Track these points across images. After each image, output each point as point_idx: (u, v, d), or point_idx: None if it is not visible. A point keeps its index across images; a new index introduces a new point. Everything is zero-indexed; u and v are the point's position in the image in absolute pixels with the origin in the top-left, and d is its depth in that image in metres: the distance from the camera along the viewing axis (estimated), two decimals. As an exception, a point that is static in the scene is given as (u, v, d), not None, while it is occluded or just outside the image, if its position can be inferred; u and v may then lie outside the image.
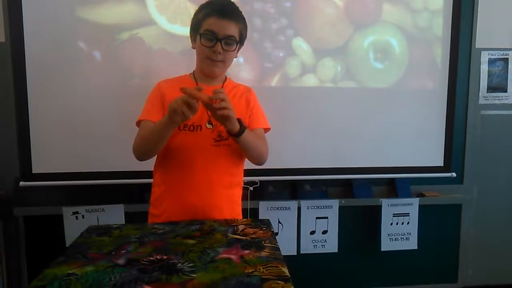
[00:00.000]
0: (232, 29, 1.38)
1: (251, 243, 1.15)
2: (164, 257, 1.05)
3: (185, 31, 1.98)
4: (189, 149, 1.37)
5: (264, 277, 0.93)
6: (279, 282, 0.90)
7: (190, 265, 1.00)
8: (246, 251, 1.09)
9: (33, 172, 1.95)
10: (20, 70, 1.93)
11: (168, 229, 1.27)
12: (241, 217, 1.54)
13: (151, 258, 1.04)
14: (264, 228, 1.28)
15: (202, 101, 1.23)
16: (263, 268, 0.97)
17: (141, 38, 1.99)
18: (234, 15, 1.40)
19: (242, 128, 1.32)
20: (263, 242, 1.16)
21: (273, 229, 1.28)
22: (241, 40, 1.44)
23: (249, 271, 0.96)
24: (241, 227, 1.29)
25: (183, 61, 1.99)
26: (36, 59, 1.93)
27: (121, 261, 1.03)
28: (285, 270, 0.96)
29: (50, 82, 1.95)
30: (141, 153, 1.42)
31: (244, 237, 1.20)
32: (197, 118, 1.38)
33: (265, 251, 1.09)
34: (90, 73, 1.97)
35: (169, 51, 2.00)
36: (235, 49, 1.43)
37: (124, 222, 2.10)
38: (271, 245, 1.14)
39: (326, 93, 2.13)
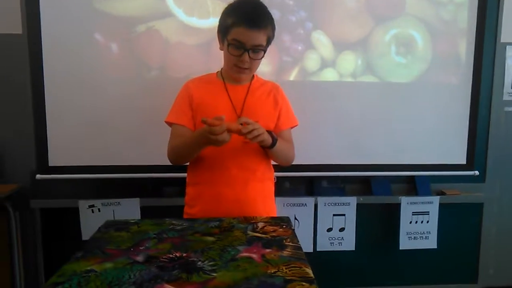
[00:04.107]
0: (260, 39, 1.35)
1: (272, 242, 1.12)
2: (184, 254, 1.03)
3: (203, 24, 1.97)
4: (221, 148, 1.34)
5: (287, 278, 0.89)
6: (304, 284, 0.87)
7: (211, 263, 0.97)
8: (267, 250, 1.06)
9: (49, 165, 1.94)
10: (38, 62, 1.92)
11: (187, 225, 1.25)
12: (275, 212, 1.54)
13: (171, 256, 1.02)
14: (284, 226, 1.25)
15: (230, 131, 1.26)
16: (286, 269, 0.94)
17: (158, 31, 1.96)
18: (263, 23, 1.35)
19: (274, 141, 1.36)
20: (284, 240, 1.13)
21: (293, 227, 1.25)
22: (268, 44, 1.42)
23: (272, 271, 0.93)
24: (260, 225, 1.26)
25: (200, 55, 1.97)
26: (53, 52, 1.92)
27: (140, 258, 1.00)
28: (309, 271, 0.93)
29: (67, 75, 1.94)
30: (175, 161, 1.45)
31: (264, 235, 1.17)
32: (226, 118, 1.36)
33: (287, 250, 1.06)
34: (107, 65, 1.95)
35: (186, 44, 1.97)
36: (262, 57, 1.41)
37: (139, 216, 2.09)
38: (292, 244, 1.11)
39: (346, 88, 2.08)
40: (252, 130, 1.25)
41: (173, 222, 1.29)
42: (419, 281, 2.40)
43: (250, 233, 1.19)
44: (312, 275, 0.91)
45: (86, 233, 2.07)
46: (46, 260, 2.20)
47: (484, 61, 2.19)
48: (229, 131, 1.26)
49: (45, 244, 2.20)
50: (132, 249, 1.07)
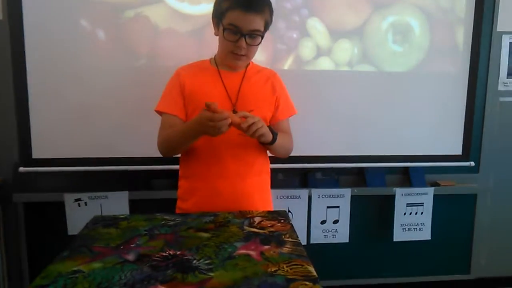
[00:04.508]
0: (258, 23, 1.29)
1: (270, 237, 1.06)
2: (178, 252, 0.97)
3: (194, 10, 1.89)
4: (217, 140, 1.28)
5: (289, 277, 0.84)
6: (307, 283, 0.82)
7: (207, 262, 0.92)
8: (266, 247, 1.00)
9: (33, 157, 1.85)
10: (19, 49, 1.82)
11: (180, 221, 1.19)
12: (272, 205, 1.49)
13: (164, 254, 0.96)
14: (282, 221, 1.20)
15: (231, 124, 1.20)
16: (287, 267, 0.89)
17: (147, 17, 1.87)
18: (260, 6, 1.29)
19: (275, 137, 1.31)
20: (283, 236, 1.08)
21: (291, 222, 1.20)
22: (266, 29, 1.35)
23: (272, 270, 0.87)
24: (257, 219, 1.20)
25: (191, 42, 1.89)
26: (36, 38, 1.82)
27: (131, 257, 0.94)
28: (312, 269, 0.88)
29: (51, 63, 1.84)
30: (166, 152, 1.38)
31: (261, 231, 1.11)
32: (221, 106, 1.30)
33: (286, 247, 1.00)
34: (93, 53, 1.86)
35: (177, 30, 1.89)
36: (259, 43, 1.35)
37: (128, 210, 2.02)
38: (292, 239, 1.06)
39: (342, 77, 2.03)
40: (251, 125, 1.20)
41: (165, 217, 1.22)
42: (413, 273, 2.39)
43: (247, 228, 1.13)
44: (315, 273, 0.86)
45: (72, 228, 1.99)
46: (31, 257, 2.11)
47: (481, 50, 2.16)
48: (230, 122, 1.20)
49: (29, 240, 2.11)
50: (122, 247, 1.01)
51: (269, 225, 1.16)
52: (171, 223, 1.17)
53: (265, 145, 1.36)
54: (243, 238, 1.05)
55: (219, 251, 0.98)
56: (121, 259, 0.93)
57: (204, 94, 1.34)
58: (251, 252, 0.97)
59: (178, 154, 1.41)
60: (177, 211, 1.41)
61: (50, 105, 1.85)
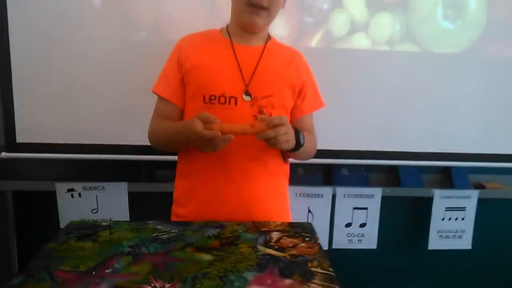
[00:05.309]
0: None
1: (292, 266, 0.80)
2: (167, 285, 0.71)
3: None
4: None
5: None
6: None
7: (204, 305, 0.65)
8: (287, 281, 0.74)
9: (17, 141, 1.61)
10: (1, 18, 1.55)
11: (175, 234, 0.93)
12: (289, 214, 1.21)
13: (147, 287, 0.70)
14: (307, 239, 0.93)
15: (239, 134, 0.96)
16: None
17: (150, -19, 1.59)
18: None
19: (300, 142, 1.05)
20: (310, 263, 0.81)
21: (319, 240, 0.93)
22: None
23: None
24: (275, 235, 0.94)
25: (201, 11, 1.60)
26: (21, 6, 1.55)
27: (101, 291, 0.69)
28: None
29: (38, 34, 1.57)
30: (156, 147, 1.18)
31: (281, 254, 0.84)
32: (230, 87, 1.05)
33: (314, 283, 0.73)
34: (86, 24, 1.58)
35: (185, -3, 1.60)
36: None
37: (127, 204, 1.80)
38: (322, 270, 0.78)
39: (379, 58, 1.71)
40: (278, 129, 0.95)
41: (158, 227, 0.97)
42: (449, 285, 2.11)
43: (262, 248, 0.87)
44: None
45: (65, 220, 1.77)
46: (20, 248, 1.91)
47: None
48: (234, 133, 0.95)
49: (19, 231, 1.91)
50: (94, 273, 0.75)
51: (290, 245, 0.89)
52: (164, 236, 0.91)
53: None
54: (256, 266, 0.79)
55: (224, 286, 0.71)
56: (87, 294, 0.68)
57: (210, 70, 1.07)
58: (267, 290, 0.71)
59: (170, 151, 1.17)
60: (173, 218, 1.15)
61: (37, 82, 1.59)
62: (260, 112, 1.05)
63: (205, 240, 0.90)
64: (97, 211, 1.81)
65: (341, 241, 1.94)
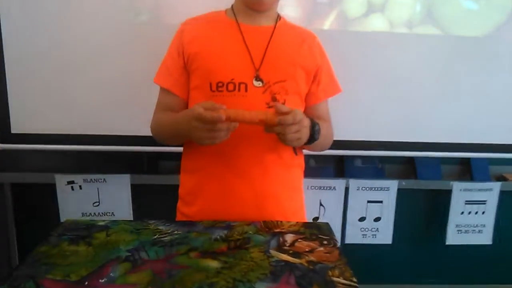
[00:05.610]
0: None
1: (310, 275, 0.70)
2: (168, 299, 0.62)
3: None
4: None
5: None
6: None
7: (211, 325, 0.56)
8: (305, 294, 0.65)
9: (12, 131, 1.52)
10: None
11: (179, 236, 0.84)
12: (304, 210, 1.12)
13: (145, 302, 0.61)
14: (325, 242, 0.83)
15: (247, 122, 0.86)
16: None
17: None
18: None
19: (315, 137, 0.94)
20: (330, 271, 0.71)
21: (338, 244, 0.83)
22: None
23: None
24: (289, 238, 0.84)
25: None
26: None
27: (93, 307, 0.60)
28: None
29: (33, 16, 1.47)
30: (159, 141, 1.09)
31: (297, 260, 0.75)
32: (239, 72, 0.95)
33: (337, 296, 0.64)
34: (83, 8, 1.48)
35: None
36: None
37: (130, 197, 1.72)
38: (345, 281, 0.69)
39: (397, 41, 1.59)
40: (292, 126, 0.86)
41: (160, 227, 0.88)
42: (467, 282, 2.01)
43: (275, 253, 0.77)
44: None
45: (65, 214, 1.71)
46: (20, 242, 1.85)
47: None
48: (242, 121, 0.85)
49: (19, 224, 1.85)
50: (86, 283, 0.66)
51: (307, 249, 0.79)
52: (166, 238, 0.82)
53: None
54: (269, 274, 0.70)
55: (233, 300, 0.62)
56: (76, 311, 0.59)
57: (217, 56, 0.96)
58: (283, 306, 0.62)
59: (173, 145, 1.08)
60: (179, 216, 1.05)
61: (33, 68, 1.50)
62: (274, 99, 0.95)
63: (211, 243, 0.81)
64: (98, 204, 1.73)
65: (355, 236, 1.85)
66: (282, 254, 0.77)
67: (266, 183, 0.99)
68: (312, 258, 0.76)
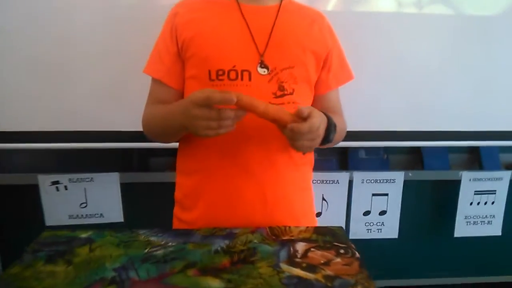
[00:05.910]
0: None
1: (330, 295, 0.60)
2: (162, 334, 0.51)
3: None
4: None
5: None
6: None
7: None
8: (327, 321, 0.54)
9: (-10, 130, 1.40)
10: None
11: (174, 247, 0.73)
12: (314, 211, 1.01)
13: None
14: (342, 251, 0.73)
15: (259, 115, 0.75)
16: None
17: None
18: None
19: (330, 138, 0.83)
20: (352, 289, 0.61)
21: (357, 253, 0.73)
22: None
23: None
24: (300, 247, 0.74)
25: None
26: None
27: None
28: None
29: (15, 8, 1.34)
30: (151, 137, 0.96)
31: (312, 275, 0.65)
32: (242, 59, 0.83)
33: (365, 323, 0.54)
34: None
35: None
36: None
37: (120, 196, 1.60)
38: (370, 301, 0.59)
39: (405, 22, 1.47)
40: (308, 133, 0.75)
41: (151, 238, 0.76)
42: (477, 275, 1.94)
43: (285, 268, 0.67)
44: None
45: (50, 218, 1.60)
46: (2, 249, 1.74)
47: None
48: (253, 111, 0.74)
49: (1, 229, 1.73)
50: (63, 314, 0.55)
51: (322, 261, 0.69)
52: (159, 252, 0.71)
53: None
54: (282, 296, 0.59)
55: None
56: None
57: (216, 41, 0.84)
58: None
59: (166, 143, 0.96)
60: (176, 223, 0.94)
61: (13, 60, 1.37)
62: (281, 88, 0.84)
63: (211, 257, 0.70)
64: (86, 205, 1.62)
65: (359, 231, 1.76)
66: (294, 269, 0.66)
67: (276, 183, 0.88)
68: (329, 272, 0.66)
